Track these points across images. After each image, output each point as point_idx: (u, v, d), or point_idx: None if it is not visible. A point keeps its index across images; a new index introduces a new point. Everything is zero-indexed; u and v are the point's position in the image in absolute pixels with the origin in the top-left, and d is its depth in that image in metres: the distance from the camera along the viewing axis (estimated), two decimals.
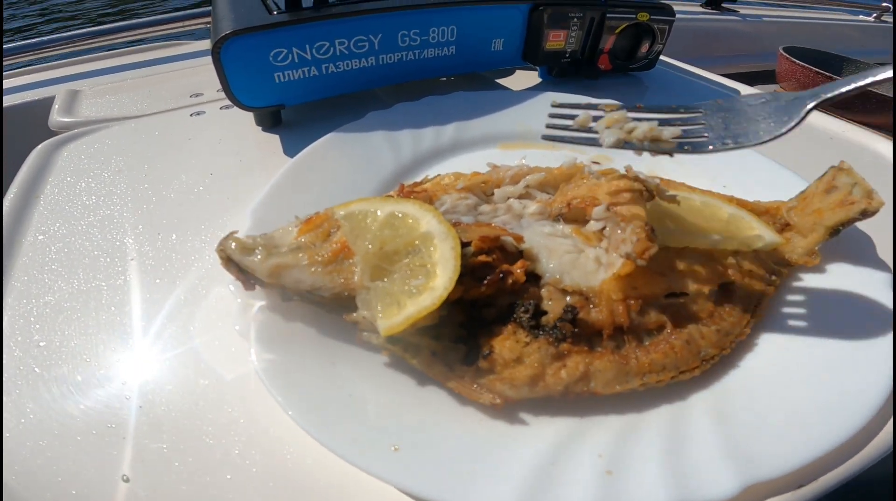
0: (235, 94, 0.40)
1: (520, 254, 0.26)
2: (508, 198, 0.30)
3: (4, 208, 0.37)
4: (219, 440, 0.24)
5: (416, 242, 0.23)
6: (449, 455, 0.21)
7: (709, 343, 0.25)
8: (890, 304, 0.27)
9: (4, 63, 0.57)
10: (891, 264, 0.30)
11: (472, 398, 0.23)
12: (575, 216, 0.28)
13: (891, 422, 0.24)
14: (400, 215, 0.24)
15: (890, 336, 0.25)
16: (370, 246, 0.23)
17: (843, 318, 0.27)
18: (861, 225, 0.31)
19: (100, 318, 0.29)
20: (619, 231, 0.25)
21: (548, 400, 0.24)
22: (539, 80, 0.55)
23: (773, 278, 0.29)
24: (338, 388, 0.23)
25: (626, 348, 0.25)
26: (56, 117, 0.48)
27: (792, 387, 0.24)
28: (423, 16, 0.43)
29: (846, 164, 0.30)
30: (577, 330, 0.24)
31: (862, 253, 0.30)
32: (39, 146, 0.44)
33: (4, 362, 0.27)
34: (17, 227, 0.36)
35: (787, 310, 0.28)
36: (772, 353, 0.26)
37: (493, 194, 0.30)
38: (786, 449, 0.21)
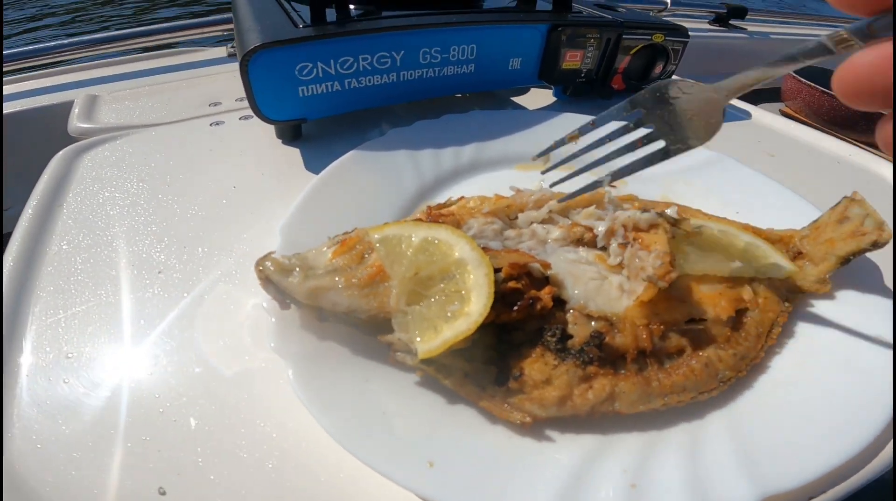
0: (260, 106, 0.41)
1: (546, 280, 0.27)
2: (532, 222, 0.31)
3: (28, 214, 0.38)
4: (252, 453, 0.24)
5: (451, 268, 0.24)
6: (481, 471, 0.22)
7: (726, 366, 0.27)
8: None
9: (23, 66, 0.58)
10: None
11: (502, 417, 0.24)
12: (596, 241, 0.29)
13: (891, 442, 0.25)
14: (434, 241, 0.25)
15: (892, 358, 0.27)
16: (406, 271, 0.24)
17: (850, 343, 0.28)
18: (870, 254, 0.32)
19: (130, 331, 0.30)
20: (637, 260, 0.26)
21: (572, 419, 0.25)
22: (553, 98, 0.56)
23: (787, 304, 0.30)
24: (372, 405, 0.24)
25: (649, 370, 0.26)
26: (76, 123, 0.49)
27: (802, 407, 0.25)
28: (445, 34, 0.44)
29: (859, 195, 0.31)
30: (602, 354, 0.25)
31: (870, 281, 0.31)
32: (60, 153, 0.44)
33: (32, 373, 0.27)
34: (41, 235, 0.36)
35: (798, 335, 0.30)
36: (784, 375, 0.27)
37: (516, 217, 0.31)
38: (797, 464, 0.22)
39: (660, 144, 0.26)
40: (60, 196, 0.40)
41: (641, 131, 0.27)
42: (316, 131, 0.48)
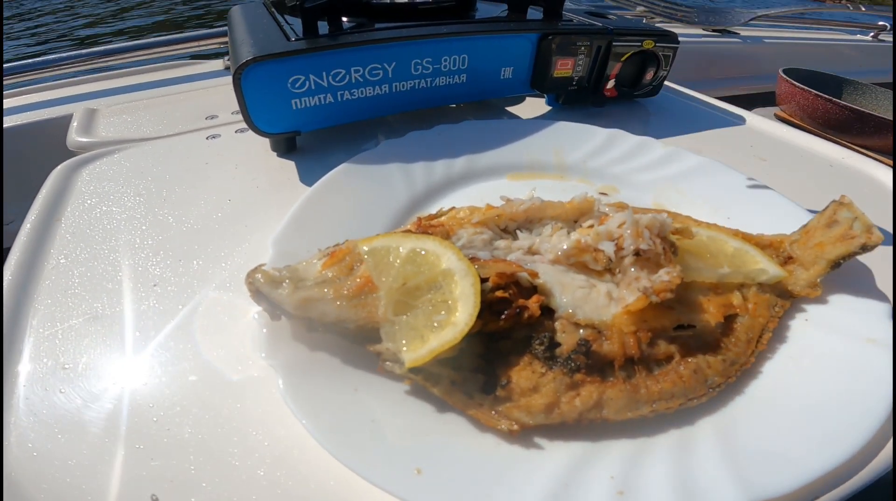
0: (254, 120, 0.41)
1: (534, 289, 0.27)
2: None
3: (27, 228, 0.38)
4: (244, 461, 0.25)
5: (438, 278, 0.24)
6: (469, 478, 0.22)
7: (715, 372, 0.27)
8: (887, 334, 0.28)
9: (22, 79, 0.59)
10: (889, 295, 0.31)
11: (490, 425, 0.24)
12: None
13: (889, 444, 0.25)
14: (421, 252, 0.25)
15: (888, 364, 0.26)
16: (394, 282, 0.24)
17: (842, 347, 0.28)
18: (861, 257, 0.32)
19: (125, 342, 0.30)
20: (632, 269, 0.27)
21: (561, 427, 0.25)
22: (547, 107, 0.57)
23: (777, 309, 0.30)
24: (361, 413, 0.24)
25: (637, 377, 0.26)
26: (74, 137, 0.50)
27: (793, 412, 0.25)
28: (437, 45, 0.45)
29: (847, 198, 0.31)
30: (590, 362, 0.25)
31: (861, 285, 0.31)
32: (59, 167, 0.45)
33: (29, 383, 0.28)
34: (39, 249, 0.37)
35: (789, 340, 0.29)
36: (774, 380, 0.27)
37: (506, 227, 0.31)
38: (788, 470, 0.22)
39: None
40: (59, 210, 0.40)
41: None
42: (311, 143, 0.49)
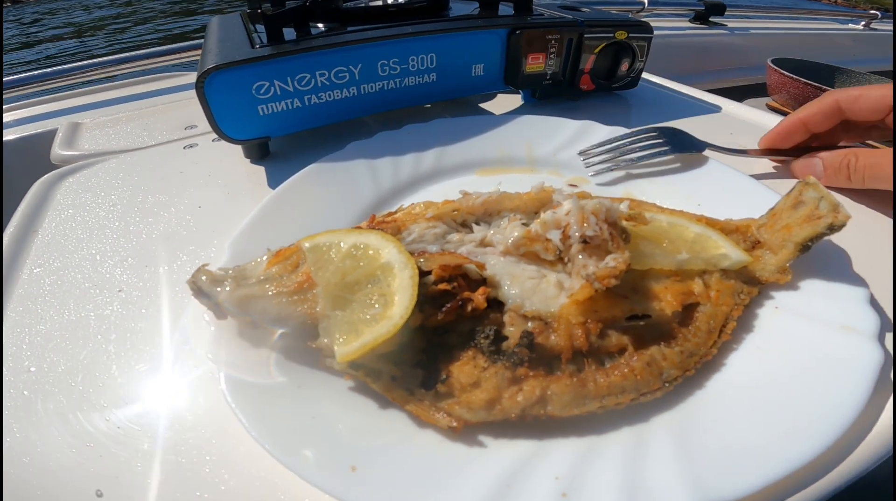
0: (221, 127, 0.42)
1: (483, 281, 0.26)
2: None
3: (5, 241, 0.39)
4: (190, 459, 0.25)
5: (377, 272, 0.24)
6: (406, 476, 0.21)
7: (671, 365, 0.25)
8: (865, 320, 0.26)
9: (8, 95, 0.61)
10: (867, 279, 0.29)
11: (430, 421, 0.24)
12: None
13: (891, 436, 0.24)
14: (362, 246, 0.25)
15: (865, 353, 0.25)
16: (332, 277, 0.24)
17: (814, 336, 0.26)
18: (837, 240, 0.31)
19: (87, 347, 0.31)
20: (580, 257, 0.26)
21: (508, 423, 0.24)
22: (522, 102, 0.56)
23: (742, 296, 0.28)
24: (302, 410, 0.24)
25: (586, 371, 0.25)
26: (57, 150, 0.51)
27: (758, 407, 0.24)
28: (402, 45, 0.45)
29: (812, 179, 0.29)
30: (534, 355, 0.25)
31: (837, 269, 0.30)
32: (40, 180, 0.46)
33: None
34: (15, 260, 0.38)
35: (756, 329, 0.28)
36: (739, 373, 0.26)
37: (465, 221, 0.31)
38: (747, 470, 0.21)
39: None
40: (36, 222, 0.42)
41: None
42: (284, 149, 0.49)
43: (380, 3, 0.54)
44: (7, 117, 0.60)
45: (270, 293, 0.25)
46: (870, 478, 0.24)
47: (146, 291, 0.34)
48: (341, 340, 0.23)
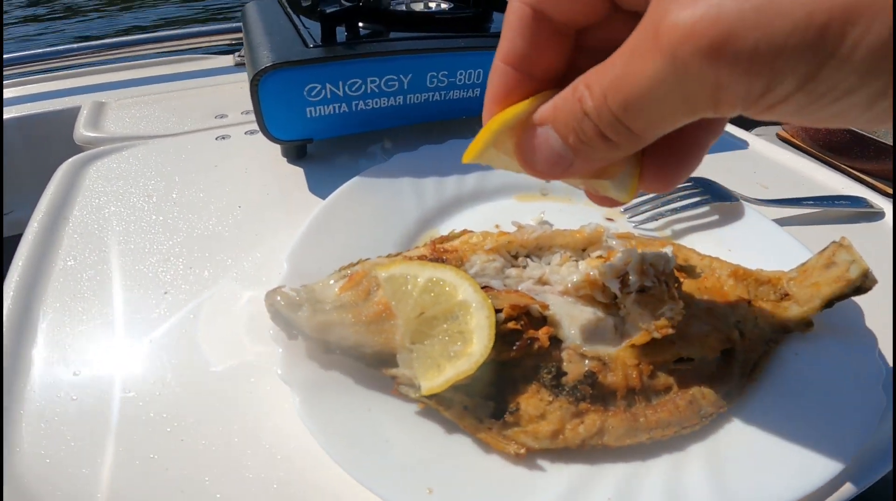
0: (268, 126, 0.41)
1: (544, 319, 0.28)
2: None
3: (34, 227, 0.38)
4: (258, 473, 0.26)
5: (455, 309, 0.25)
6: (477, 497, 0.24)
7: (709, 403, 0.28)
8: (872, 371, 0.30)
9: (29, 69, 0.58)
10: (877, 334, 0.32)
11: (498, 448, 0.26)
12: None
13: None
14: (439, 282, 0.26)
15: (867, 398, 0.28)
16: (412, 311, 0.25)
17: (828, 381, 0.30)
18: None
19: (136, 351, 0.30)
20: (637, 305, 0.28)
21: (563, 450, 0.26)
22: None
23: (770, 344, 0.31)
24: (375, 432, 0.25)
25: (637, 406, 0.27)
26: (82, 131, 0.49)
27: (776, 441, 0.27)
28: (454, 58, 0.45)
29: (846, 241, 0.32)
30: (594, 392, 0.27)
31: (852, 322, 0.33)
32: (66, 163, 0.45)
33: (40, 389, 0.28)
34: (47, 249, 0.37)
35: (780, 373, 0.31)
36: (763, 411, 0.29)
37: (516, 253, 0.32)
38: (766, 493, 0.24)
39: None
40: (66, 209, 0.40)
41: None
42: (319, 150, 0.49)
43: (421, 6, 0.53)
44: (23, 91, 0.57)
45: (348, 321, 0.26)
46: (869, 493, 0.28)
47: (192, 294, 0.34)
48: (423, 373, 0.24)
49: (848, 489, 0.27)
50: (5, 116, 0.55)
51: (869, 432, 0.27)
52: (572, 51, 0.21)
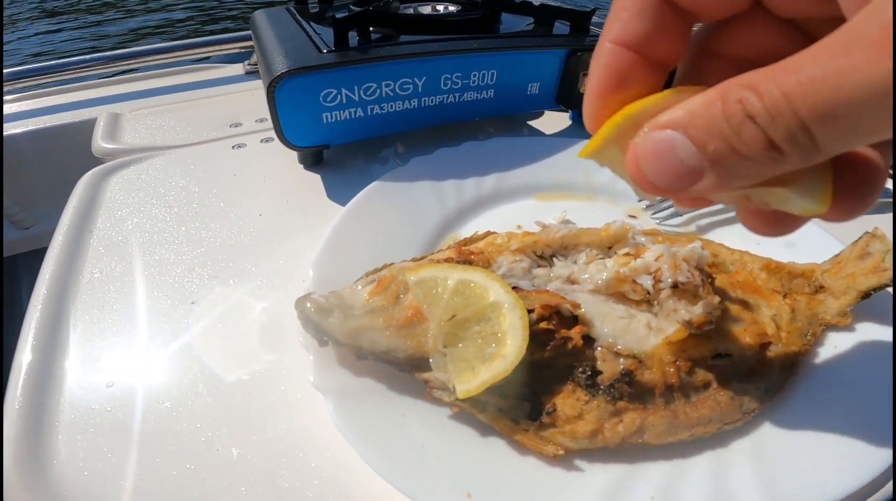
0: (286, 133, 0.42)
1: (575, 319, 0.28)
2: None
3: (59, 240, 0.39)
4: (293, 482, 0.25)
5: (487, 310, 0.25)
6: (516, 500, 0.23)
7: (751, 398, 0.28)
8: None
9: (44, 82, 0.59)
10: None
11: (536, 449, 0.25)
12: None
13: None
14: (469, 284, 0.26)
15: None
16: (443, 314, 0.25)
17: (869, 373, 0.29)
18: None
19: (170, 362, 0.31)
20: (670, 301, 0.27)
21: (602, 450, 0.26)
22: (569, 121, 0.57)
23: (809, 337, 0.31)
24: (409, 438, 0.25)
25: (676, 404, 0.27)
26: (100, 143, 0.49)
27: (822, 436, 0.26)
28: (467, 60, 0.45)
29: (880, 231, 0.32)
30: (632, 390, 0.26)
31: (888, 313, 0.32)
32: (87, 175, 0.45)
33: (75, 401, 0.28)
34: (73, 262, 0.37)
35: (819, 367, 0.30)
36: (805, 406, 0.29)
37: (542, 253, 0.32)
38: (815, 490, 0.24)
39: None
40: (89, 221, 0.41)
41: None
42: (335, 155, 0.49)
43: (429, 9, 0.53)
44: (38, 104, 0.58)
45: (380, 326, 0.26)
46: None
47: (218, 303, 0.34)
48: (458, 376, 0.24)
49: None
50: (21, 130, 0.56)
51: None
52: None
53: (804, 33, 0.18)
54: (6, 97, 0.59)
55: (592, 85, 0.18)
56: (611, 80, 0.18)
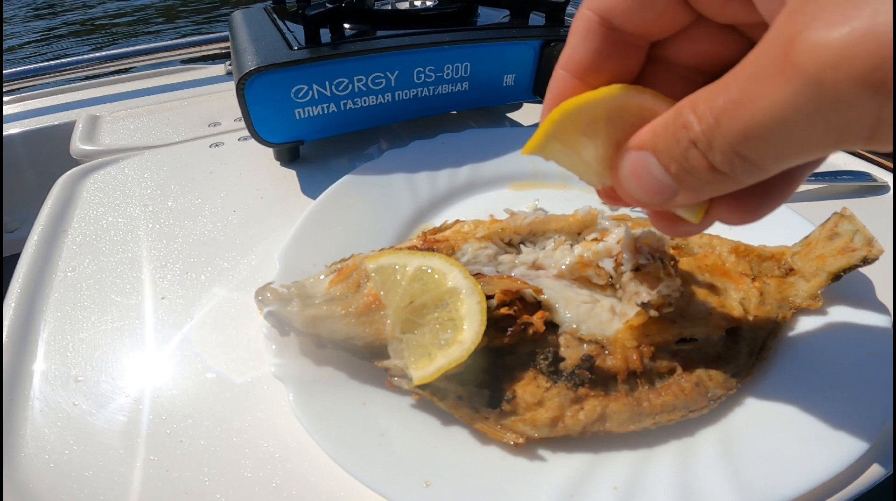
0: (258, 130, 0.42)
1: (538, 304, 0.27)
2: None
3: (34, 240, 0.39)
4: (256, 473, 0.25)
5: (444, 296, 0.25)
6: (476, 490, 0.23)
7: (716, 385, 0.27)
8: (887, 346, 0.28)
9: (27, 85, 0.59)
10: (889, 306, 0.31)
11: (496, 438, 0.25)
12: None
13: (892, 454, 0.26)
14: (428, 270, 0.26)
15: (886, 375, 0.27)
16: (401, 300, 0.25)
17: (841, 358, 0.29)
18: (861, 269, 0.33)
19: (135, 355, 0.31)
20: (632, 284, 0.27)
21: (564, 438, 0.25)
22: None
23: (779, 321, 0.30)
24: (370, 427, 0.25)
25: (639, 390, 0.26)
26: (78, 145, 0.50)
27: (792, 423, 0.26)
28: (440, 53, 0.45)
29: (848, 211, 0.31)
30: (593, 376, 0.26)
31: (861, 296, 0.32)
32: (64, 177, 0.45)
33: (43, 396, 0.28)
34: (47, 261, 0.37)
35: (790, 351, 0.30)
36: (774, 392, 0.28)
37: (510, 240, 0.32)
38: (786, 478, 0.23)
39: None
40: (65, 221, 0.41)
41: None
42: (314, 152, 0.49)
43: (406, 5, 0.53)
44: (21, 108, 0.58)
45: (339, 314, 0.25)
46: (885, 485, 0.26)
47: (189, 299, 0.34)
48: (414, 363, 0.24)
49: (876, 470, 0.26)
50: (4, 133, 0.56)
51: (891, 411, 0.25)
52: (645, 62, 0.19)
53: (745, 37, 0.18)
54: None
55: (545, 104, 0.20)
56: (555, 101, 0.19)
